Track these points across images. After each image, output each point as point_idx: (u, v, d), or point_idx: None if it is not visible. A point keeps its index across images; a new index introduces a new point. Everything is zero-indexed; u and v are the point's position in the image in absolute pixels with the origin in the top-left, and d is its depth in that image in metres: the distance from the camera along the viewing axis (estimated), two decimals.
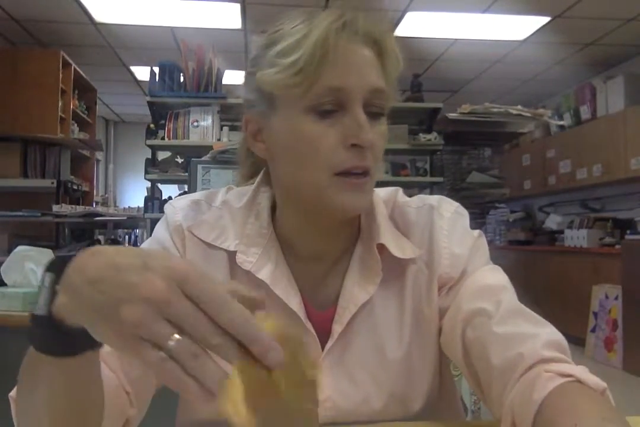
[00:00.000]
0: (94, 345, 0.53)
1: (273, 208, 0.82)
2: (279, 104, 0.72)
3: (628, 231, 4.80)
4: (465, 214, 0.84)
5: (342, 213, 0.74)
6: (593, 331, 4.84)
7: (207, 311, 0.43)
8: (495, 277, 0.80)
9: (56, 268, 0.52)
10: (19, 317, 1.76)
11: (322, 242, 0.80)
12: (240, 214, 0.81)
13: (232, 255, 0.78)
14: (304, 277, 0.80)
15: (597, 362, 4.62)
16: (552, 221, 6.26)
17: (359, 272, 0.79)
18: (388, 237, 0.79)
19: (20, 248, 1.94)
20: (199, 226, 0.80)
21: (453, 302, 0.78)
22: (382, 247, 0.78)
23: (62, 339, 0.52)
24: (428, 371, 0.81)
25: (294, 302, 0.77)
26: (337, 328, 0.77)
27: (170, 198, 4.09)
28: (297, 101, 0.70)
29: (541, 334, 0.72)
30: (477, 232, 0.84)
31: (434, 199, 0.85)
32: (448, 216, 0.82)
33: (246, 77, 0.77)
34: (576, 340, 5.10)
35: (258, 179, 0.84)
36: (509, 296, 0.77)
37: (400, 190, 0.87)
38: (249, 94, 0.76)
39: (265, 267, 0.77)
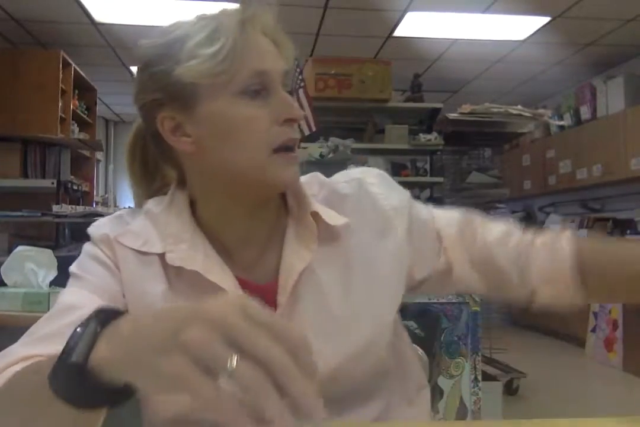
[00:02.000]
0: (119, 400, 0.54)
1: (191, 206, 0.84)
2: (203, 94, 0.75)
3: (628, 231, 4.80)
4: (385, 175, 0.93)
5: (282, 187, 0.80)
6: (593, 331, 4.84)
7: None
8: (448, 210, 0.93)
9: (102, 318, 0.54)
10: (19, 317, 1.76)
11: (248, 225, 0.82)
12: (162, 217, 0.83)
13: (162, 257, 0.80)
14: (237, 261, 0.82)
15: (597, 363, 4.62)
16: (552, 221, 6.26)
17: (296, 243, 0.82)
18: (319, 207, 0.84)
19: (20, 248, 1.94)
20: (125, 235, 0.82)
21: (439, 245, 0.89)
22: (315, 216, 0.82)
23: (91, 391, 0.52)
24: (380, 325, 0.83)
25: (230, 284, 0.78)
26: (281, 298, 0.79)
27: None
28: (224, 88, 0.74)
29: (511, 229, 0.91)
30: (405, 190, 0.92)
31: (356, 172, 0.91)
32: (376, 181, 0.89)
33: (148, 78, 0.79)
34: (576, 340, 5.10)
35: (173, 184, 0.87)
36: (468, 214, 0.92)
37: (318, 173, 0.92)
38: (154, 93, 0.78)
39: (195, 259, 0.79)
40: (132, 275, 0.80)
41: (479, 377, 1.27)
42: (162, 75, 0.76)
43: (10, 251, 2.01)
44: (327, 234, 0.83)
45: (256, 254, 0.83)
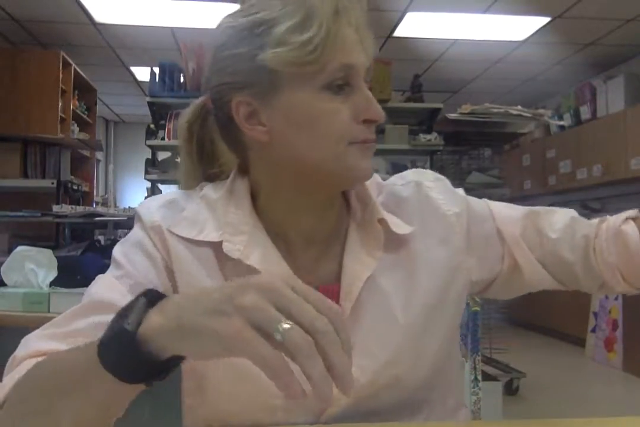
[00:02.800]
0: (161, 375, 0.56)
1: (252, 198, 0.80)
2: (285, 83, 0.71)
3: None
4: (443, 178, 0.90)
5: (357, 179, 0.78)
6: (593, 331, 4.84)
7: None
8: (507, 206, 0.92)
9: (152, 295, 0.56)
10: (19, 317, 1.76)
11: (313, 223, 0.80)
12: (220, 205, 0.79)
13: (217, 246, 0.76)
14: (297, 260, 0.79)
15: (597, 363, 4.62)
16: None
17: (360, 249, 0.79)
18: (385, 214, 0.81)
19: (20, 248, 1.94)
20: (179, 224, 0.78)
21: (505, 243, 0.86)
22: (381, 222, 0.80)
23: (137, 362, 0.53)
24: (443, 334, 0.82)
25: None
26: (347, 304, 0.77)
27: None
28: (309, 79, 0.71)
29: (574, 220, 0.89)
30: (460, 189, 0.90)
31: (411, 174, 0.89)
32: (434, 185, 0.87)
33: (226, 59, 0.74)
34: (576, 340, 5.10)
35: (234, 171, 0.82)
36: (528, 209, 0.90)
37: (375, 174, 0.89)
38: (232, 76, 0.74)
39: (253, 253, 0.75)
40: (187, 268, 0.76)
41: (479, 377, 1.27)
42: (243, 58, 0.72)
43: (10, 251, 2.01)
44: (392, 242, 0.81)
45: (316, 254, 0.80)
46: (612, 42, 5.17)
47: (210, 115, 0.83)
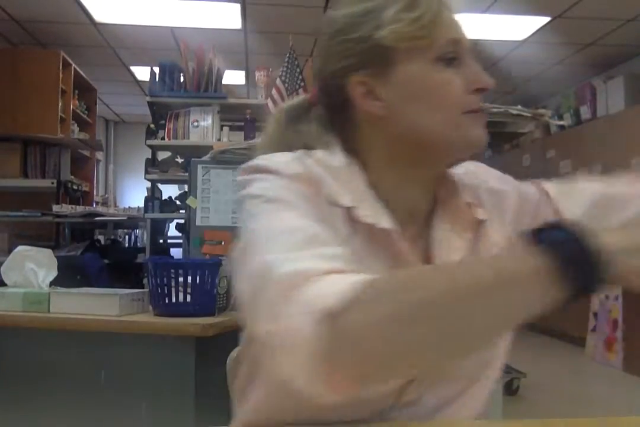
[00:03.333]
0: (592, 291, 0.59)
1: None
2: (400, 58, 0.77)
3: None
4: (483, 165, 0.93)
5: (472, 146, 0.80)
6: (593, 331, 4.84)
7: None
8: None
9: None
10: (19, 317, 1.76)
11: (418, 197, 0.83)
12: (342, 173, 0.79)
13: (347, 211, 0.76)
14: (404, 232, 0.81)
15: (597, 363, 4.62)
16: None
17: (449, 230, 0.82)
18: (469, 199, 0.85)
19: (20, 248, 1.94)
20: (318, 181, 0.76)
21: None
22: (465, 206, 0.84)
23: (594, 277, 0.57)
24: None
25: (413, 252, 0.79)
26: None
27: (170, 198, 4.09)
28: (422, 52, 0.76)
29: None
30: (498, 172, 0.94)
31: (463, 165, 0.90)
32: (483, 171, 0.91)
33: (340, 45, 0.80)
34: (576, 340, 5.10)
35: (340, 147, 0.82)
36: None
37: None
38: (350, 59, 0.79)
39: (382, 219, 0.77)
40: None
41: None
42: (358, 41, 0.78)
43: (10, 251, 2.01)
44: (472, 226, 0.84)
45: (415, 231, 0.82)
46: (612, 42, 5.17)
47: (307, 113, 0.88)
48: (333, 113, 0.84)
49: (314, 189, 0.74)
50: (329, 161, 0.80)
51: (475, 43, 0.82)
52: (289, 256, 0.63)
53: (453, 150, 0.80)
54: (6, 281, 1.90)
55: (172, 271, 1.71)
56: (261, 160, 0.77)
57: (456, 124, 0.77)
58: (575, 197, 0.90)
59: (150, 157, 4.14)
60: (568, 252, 0.56)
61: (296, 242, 0.65)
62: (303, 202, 0.72)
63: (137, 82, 6.54)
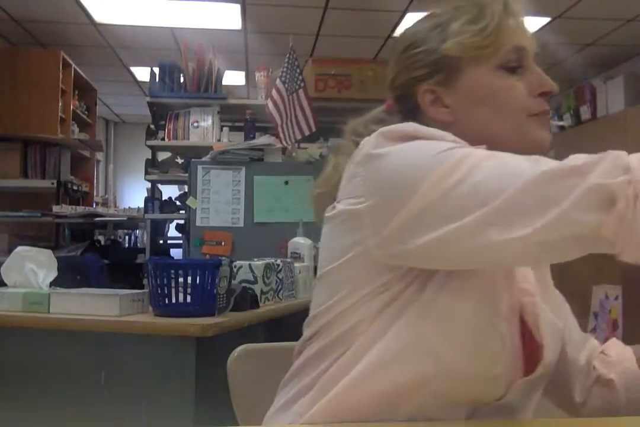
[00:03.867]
0: None
1: None
2: (465, 67, 0.83)
3: None
4: None
5: (538, 147, 0.84)
6: (593, 331, 4.84)
7: None
8: None
9: None
10: (19, 317, 1.76)
11: None
12: None
13: None
14: None
15: None
16: None
17: None
18: None
19: (20, 248, 1.94)
20: None
21: None
22: None
23: None
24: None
25: None
26: (527, 286, 0.83)
27: (170, 199, 4.10)
28: (486, 60, 0.82)
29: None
30: None
31: None
32: None
33: (411, 57, 0.86)
34: None
35: None
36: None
37: None
38: (419, 70, 0.85)
39: None
40: None
41: None
42: (427, 53, 0.84)
43: (10, 251, 2.01)
44: None
45: None
46: (612, 42, 5.17)
47: (385, 123, 0.89)
48: (407, 120, 0.86)
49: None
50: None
51: (542, 46, 0.87)
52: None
53: (517, 152, 0.79)
54: (6, 281, 1.90)
55: (172, 271, 1.71)
56: (411, 126, 0.77)
57: (521, 127, 0.83)
58: None
59: (150, 157, 4.14)
60: None
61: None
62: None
63: (137, 82, 6.54)
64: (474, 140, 0.78)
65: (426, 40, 0.85)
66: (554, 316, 0.85)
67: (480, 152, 0.71)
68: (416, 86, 0.86)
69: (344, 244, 0.77)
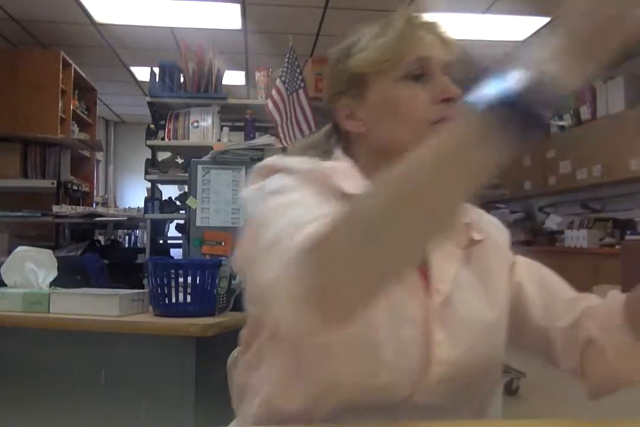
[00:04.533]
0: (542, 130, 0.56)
1: None
2: (371, 81, 0.87)
3: (628, 231, 4.80)
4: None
5: None
6: None
7: None
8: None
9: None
10: (19, 317, 1.76)
11: None
12: (348, 172, 0.89)
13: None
14: None
15: None
16: (552, 222, 6.26)
17: (444, 240, 0.86)
18: (469, 219, 0.91)
19: (20, 248, 1.94)
20: (328, 175, 0.84)
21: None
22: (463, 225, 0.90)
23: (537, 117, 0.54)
24: (504, 332, 0.89)
25: None
26: (443, 286, 0.84)
27: (170, 199, 4.09)
28: (389, 73, 0.86)
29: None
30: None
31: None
32: (488, 217, 0.99)
33: (333, 75, 0.93)
34: None
35: (338, 152, 0.93)
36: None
37: None
38: (338, 87, 0.91)
39: None
40: None
41: None
42: (342, 71, 0.90)
43: (10, 251, 2.01)
44: (469, 244, 0.90)
45: None
46: None
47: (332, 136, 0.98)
48: (335, 132, 0.97)
49: (322, 183, 0.81)
50: (337, 165, 0.89)
51: (450, 60, 0.88)
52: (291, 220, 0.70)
53: None
54: (6, 281, 1.90)
55: (172, 271, 1.71)
56: (275, 159, 0.86)
57: (424, 134, 0.77)
58: (533, 277, 0.96)
59: (150, 157, 4.14)
60: (494, 98, 0.55)
61: (299, 212, 0.72)
62: (312, 193, 0.78)
63: (137, 82, 6.54)
64: (385, 148, 0.86)
65: (340, 59, 0.91)
66: (486, 308, 0.86)
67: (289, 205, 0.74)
68: (335, 102, 0.92)
69: None
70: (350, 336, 0.75)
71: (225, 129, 4.04)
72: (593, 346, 0.86)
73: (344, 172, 0.87)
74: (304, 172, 0.82)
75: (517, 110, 0.54)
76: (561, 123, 5.81)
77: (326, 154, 0.95)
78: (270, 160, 0.85)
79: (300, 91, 3.53)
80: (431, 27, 0.90)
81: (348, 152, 0.93)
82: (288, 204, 0.74)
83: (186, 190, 3.84)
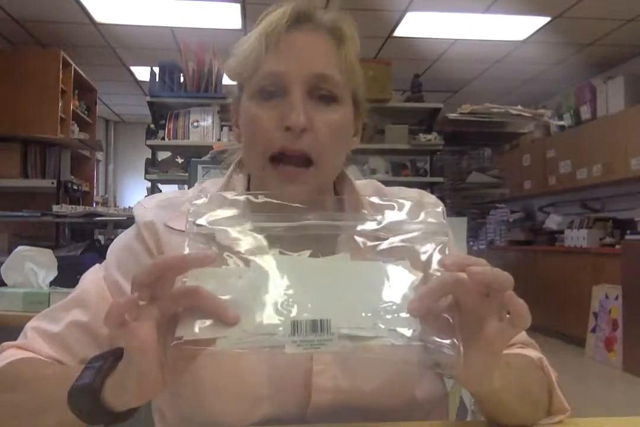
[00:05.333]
0: (121, 420, 0.60)
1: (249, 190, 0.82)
2: (241, 92, 0.78)
3: (628, 231, 4.80)
4: (441, 204, 0.84)
5: (283, 199, 0.69)
6: (593, 331, 4.84)
7: None
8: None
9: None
10: (19, 317, 1.76)
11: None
12: (225, 187, 0.83)
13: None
14: None
15: (597, 362, 4.62)
16: (552, 221, 6.26)
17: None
18: (369, 210, 0.77)
19: (20, 248, 1.94)
20: (177, 219, 0.77)
21: None
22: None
23: (100, 411, 0.58)
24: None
25: None
26: None
27: None
28: (247, 86, 0.76)
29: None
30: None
31: (413, 192, 0.87)
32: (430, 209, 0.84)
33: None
34: (576, 340, 5.10)
35: (232, 165, 0.86)
36: None
37: (375, 181, 0.90)
38: (232, 94, 0.83)
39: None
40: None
41: None
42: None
43: (10, 251, 2.01)
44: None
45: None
46: (612, 42, 5.17)
47: None
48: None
49: (158, 234, 0.79)
50: (209, 189, 0.84)
51: (319, 74, 0.73)
52: (31, 324, 0.80)
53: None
54: (6, 281, 1.90)
55: None
56: (138, 204, 0.85)
57: (262, 171, 0.74)
58: None
59: (150, 157, 4.14)
60: (74, 386, 0.59)
61: (65, 301, 0.81)
62: (127, 265, 0.79)
63: (137, 82, 6.54)
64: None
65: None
66: None
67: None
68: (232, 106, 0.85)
69: None
70: (218, 372, 0.73)
71: (225, 129, 4.04)
72: None
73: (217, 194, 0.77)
74: (141, 226, 0.81)
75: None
76: (561, 123, 5.82)
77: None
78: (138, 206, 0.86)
79: None
80: (305, 26, 0.74)
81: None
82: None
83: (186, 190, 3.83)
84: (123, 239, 0.84)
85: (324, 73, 0.73)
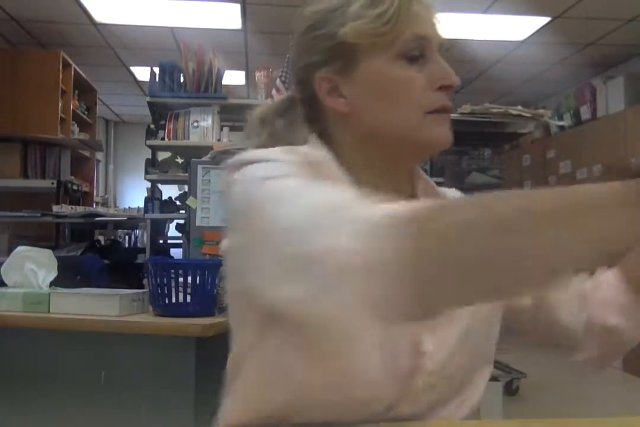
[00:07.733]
0: None
1: None
2: (362, 55, 0.76)
3: None
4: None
5: (436, 145, 0.79)
6: None
7: None
8: None
9: None
10: (19, 317, 1.76)
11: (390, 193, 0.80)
12: (326, 167, 0.79)
13: None
14: None
15: None
16: None
17: None
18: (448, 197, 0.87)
19: (20, 248, 1.94)
20: (317, 165, 0.74)
21: None
22: None
23: None
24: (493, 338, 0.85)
25: None
26: None
27: (170, 199, 4.10)
28: (385, 49, 0.75)
29: None
30: None
31: (452, 192, 0.93)
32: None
33: (310, 41, 0.80)
34: None
35: (311, 142, 0.82)
36: None
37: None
38: (317, 55, 0.79)
39: None
40: None
41: None
42: (325, 37, 0.78)
43: (10, 251, 2.01)
44: None
45: None
46: (612, 42, 5.17)
47: (291, 110, 0.87)
48: (306, 109, 0.85)
49: (314, 172, 0.68)
50: (315, 156, 0.77)
51: (448, 40, 0.82)
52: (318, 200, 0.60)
53: (415, 149, 0.80)
54: (6, 281, 1.90)
55: (172, 271, 1.71)
56: (250, 153, 0.72)
57: (418, 124, 0.76)
58: None
59: (150, 157, 4.14)
60: None
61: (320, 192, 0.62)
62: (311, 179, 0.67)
63: (137, 82, 6.54)
64: (371, 133, 0.78)
65: (325, 22, 0.78)
66: (472, 317, 0.78)
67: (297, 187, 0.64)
68: (314, 72, 0.79)
69: None
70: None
71: (225, 129, 4.04)
72: (597, 323, 0.85)
73: (326, 165, 0.77)
74: (290, 163, 0.70)
75: None
76: (561, 123, 5.81)
77: (288, 134, 0.85)
78: (245, 154, 0.72)
79: None
80: (425, 2, 0.81)
81: (324, 138, 0.81)
82: (295, 187, 0.63)
83: (186, 190, 3.84)
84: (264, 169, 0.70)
85: (445, 41, 0.82)
